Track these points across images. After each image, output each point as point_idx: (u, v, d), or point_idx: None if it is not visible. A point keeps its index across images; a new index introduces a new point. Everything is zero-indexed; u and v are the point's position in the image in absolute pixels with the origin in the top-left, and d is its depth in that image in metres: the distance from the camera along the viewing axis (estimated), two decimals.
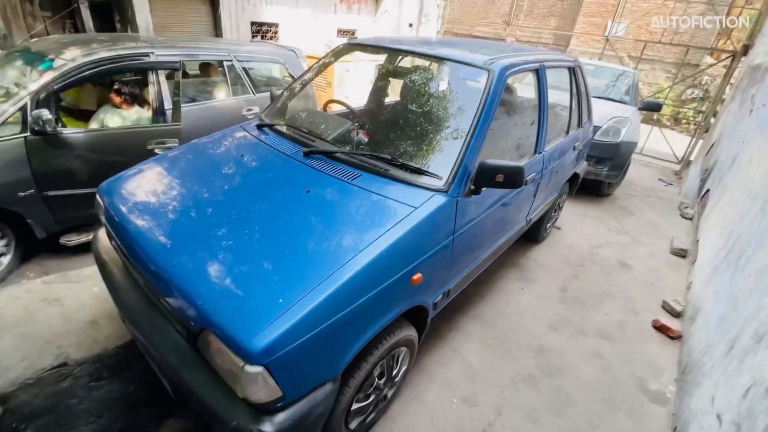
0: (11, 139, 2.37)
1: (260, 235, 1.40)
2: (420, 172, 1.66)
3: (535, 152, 2.35)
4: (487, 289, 2.84)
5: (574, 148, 2.99)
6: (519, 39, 14.08)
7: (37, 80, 2.49)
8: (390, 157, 1.71)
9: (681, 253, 3.68)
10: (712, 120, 6.66)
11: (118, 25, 7.06)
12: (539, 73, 2.29)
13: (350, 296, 1.24)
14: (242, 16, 8.39)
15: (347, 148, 1.87)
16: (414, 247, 1.47)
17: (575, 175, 3.42)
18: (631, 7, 11.77)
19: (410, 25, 12.16)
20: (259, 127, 2.14)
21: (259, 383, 1.07)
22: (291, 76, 3.88)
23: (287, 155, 1.84)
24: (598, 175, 4.39)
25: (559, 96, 3.00)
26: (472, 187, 1.67)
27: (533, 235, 3.40)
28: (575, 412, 2.01)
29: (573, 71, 2.89)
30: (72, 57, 2.61)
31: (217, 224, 1.46)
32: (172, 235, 1.43)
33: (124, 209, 1.59)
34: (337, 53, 2.49)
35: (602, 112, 4.43)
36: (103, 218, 1.72)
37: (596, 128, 4.27)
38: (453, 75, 2.01)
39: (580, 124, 3.10)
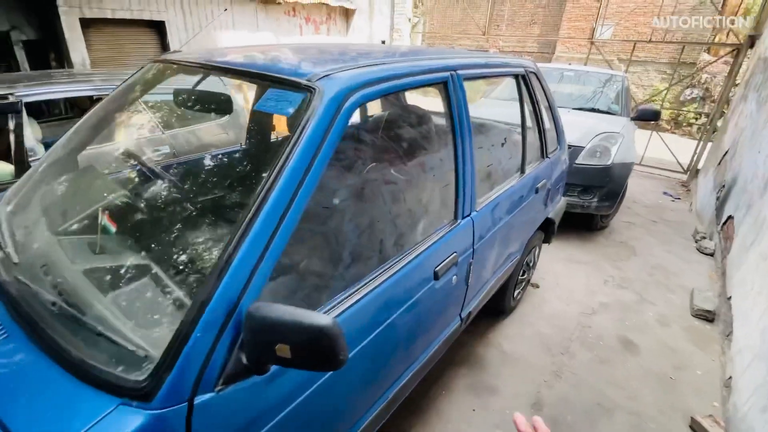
0: None
1: None
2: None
3: (455, 219, 1.41)
4: (419, 418, 1.85)
5: (537, 191, 2.05)
6: (502, 49, 13.53)
7: None
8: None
9: (706, 316, 2.67)
10: (719, 123, 5.74)
11: (54, 63, 6.46)
12: (448, 89, 1.36)
13: None
14: (194, 43, 7.71)
15: None
16: None
17: (549, 221, 2.47)
18: (616, 8, 11.05)
19: (383, 42, 11.49)
20: None
21: None
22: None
23: None
24: (586, 207, 3.42)
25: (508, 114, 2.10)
26: (241, 368, 0.72)
27: (499, 305, 2.43)
28: None
29: (524, 81, 1.97)
30: None
31: None
32: None
33: None
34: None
35: (585, 128, 3.50)
36: None
37: (578, 149, 3.34)
38: (261, 100, 1.10)
39: (544, 154, 2.17)
